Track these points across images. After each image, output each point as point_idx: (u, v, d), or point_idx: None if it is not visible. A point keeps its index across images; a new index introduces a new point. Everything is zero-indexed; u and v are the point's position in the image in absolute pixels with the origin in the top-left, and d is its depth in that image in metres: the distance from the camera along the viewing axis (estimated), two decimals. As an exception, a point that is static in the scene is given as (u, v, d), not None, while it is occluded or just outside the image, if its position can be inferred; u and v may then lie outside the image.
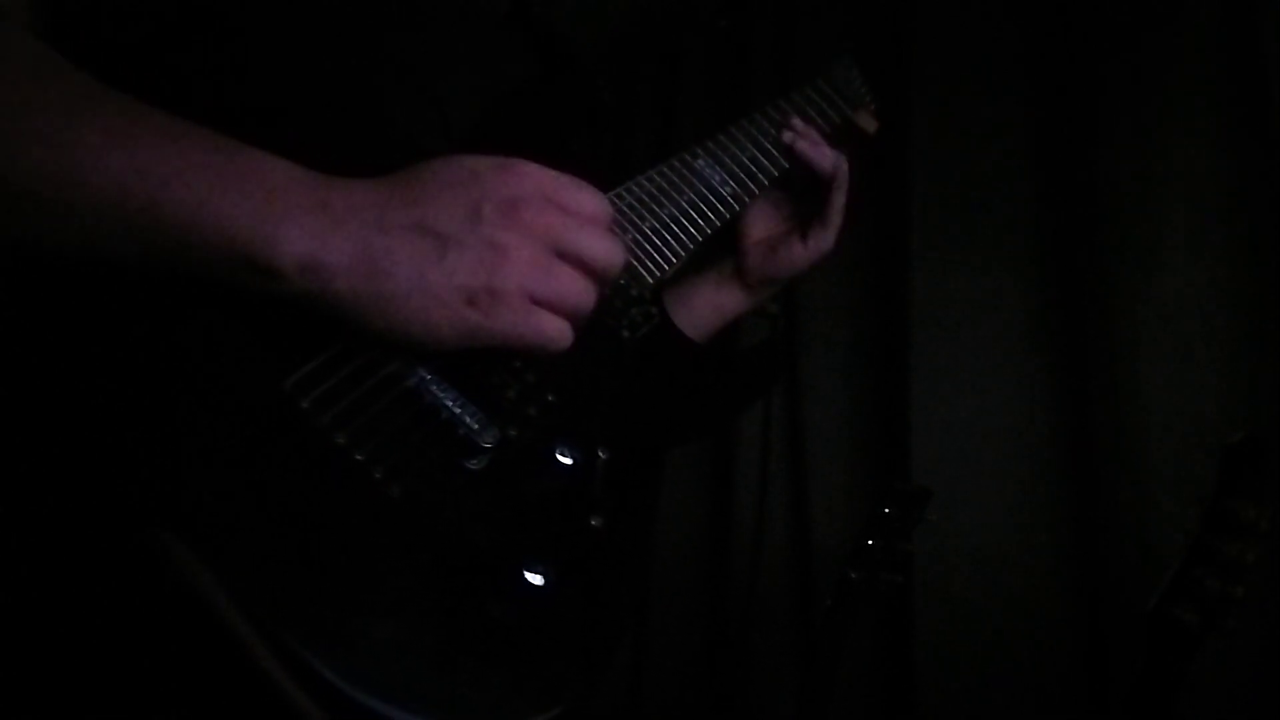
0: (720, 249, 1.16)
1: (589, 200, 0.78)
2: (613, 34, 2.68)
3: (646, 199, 1.01)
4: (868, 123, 1.28)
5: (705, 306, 1.17)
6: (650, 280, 0.99)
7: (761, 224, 1.19)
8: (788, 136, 1.16)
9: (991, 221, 2.44)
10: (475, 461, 0.77)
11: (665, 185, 1.03)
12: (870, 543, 1.85)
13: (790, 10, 2.67)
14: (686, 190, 1.04)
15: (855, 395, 2.56)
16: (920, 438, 2.39)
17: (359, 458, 0.71)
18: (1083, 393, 2.31)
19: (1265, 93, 2.18)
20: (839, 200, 1.18)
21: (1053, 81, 2.42)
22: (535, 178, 0.76)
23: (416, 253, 0.71)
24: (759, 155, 1.12)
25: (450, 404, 0.77)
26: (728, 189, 1.08)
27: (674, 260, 1.01)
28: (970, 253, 2.45)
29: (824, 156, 1.17)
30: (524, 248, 0.73)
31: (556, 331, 0.75)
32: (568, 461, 0.81)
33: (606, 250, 0.78)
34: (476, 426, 0.77)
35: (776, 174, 1.15)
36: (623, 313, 0.96)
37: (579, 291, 0.76)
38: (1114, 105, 2.32)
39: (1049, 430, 2.33)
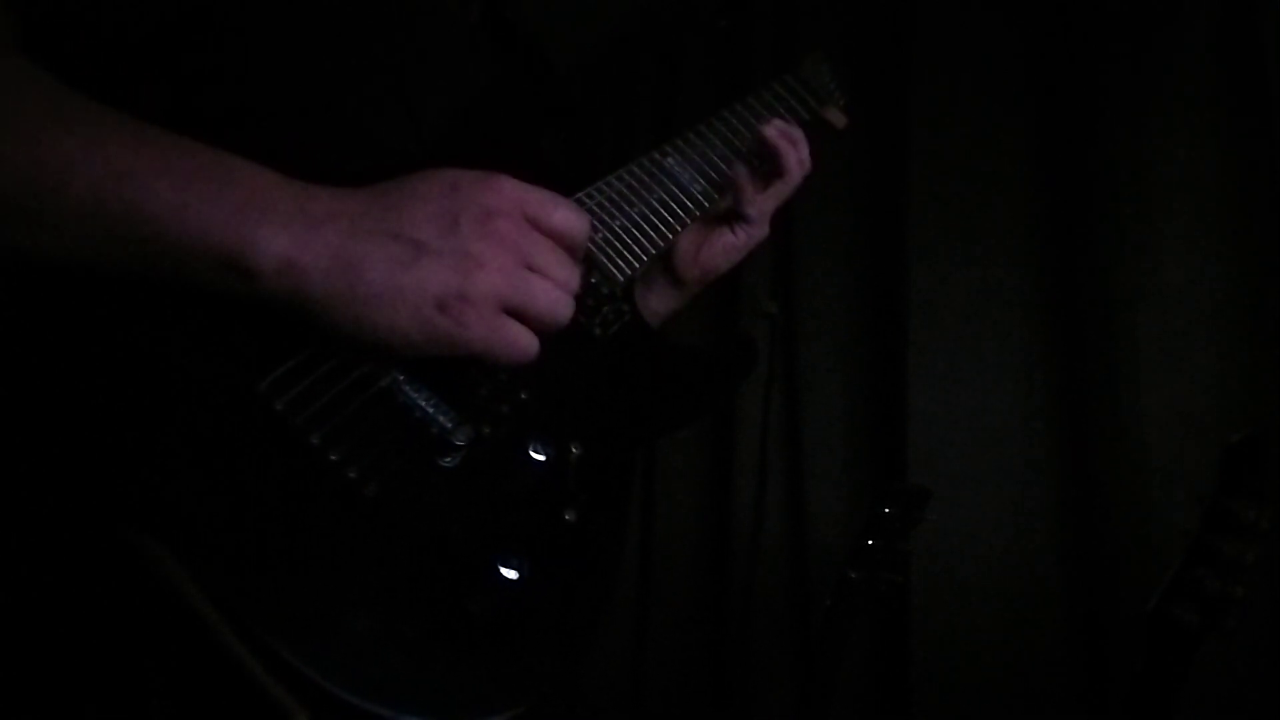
0: None
1: (564, 216, 0.79)
2: (613, 34, 2.69)
3: (617, 198, 1.01)
4: (837, 118, 1.29)
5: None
6: (621, 278, 0.99)
7: None
8: (769, 130, 1.14)
9: (990, 221, 2.44)
10: (449, 459, 0.77)
11: (635, 184, 1.04)
12: (870, 543, 1.85)
13: (790, 10, 2.68)
14: (656, 189, 1.05)
15: (854, 395, 2.56)
16: (918, 437, 2.39)
17: (333, 458, 0.72)
18: (1082, 392, 2.30)
19: (1265, 93, 2.17)
20: (781, 195, 1.17)
21: (1053, 81, 2.42)
22: (512, 192, 0.77)
23: (391, 257, 0.72)
24: (729, 153, 1.12)
25: (423, 403, 0.77)
26: (697, 187, 1.09)
27: (645, 258, 1.02)
28: (968, 252, 2.45)
29: (797, 157, 1.16)
30: (498, 259, 0.74)
31: (524, 341, 0.76)
32: (540, 457, 0.82)
33: (568, 270, 0.79)
34: (450, 425, 0.77)
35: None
36: (595, 310, 0.96)
37: (553, 303, 0.77)
38: (1114, 105, 2.32)
39: (1048, 430, 2.33)
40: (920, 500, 1.92)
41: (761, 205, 1.17)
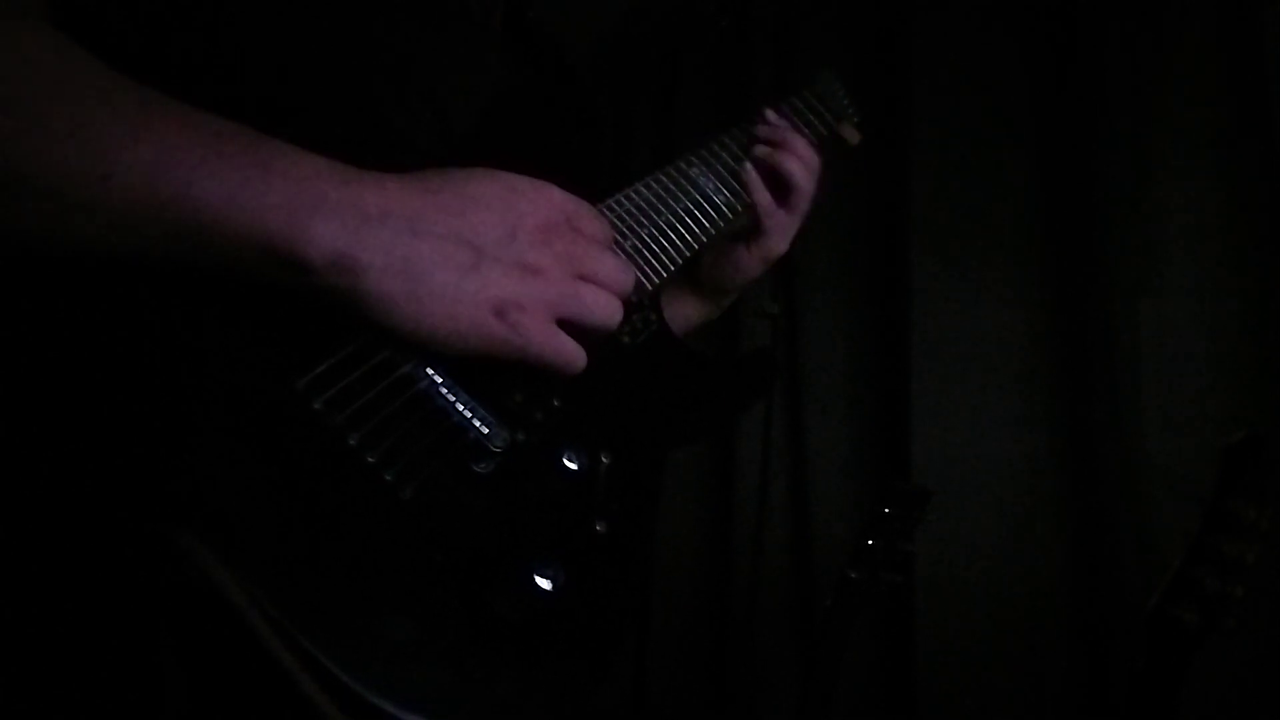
0: None
1: (597, 224, 0.82)
2: (613, 33, 2.68)
3: (644, 205, 1.02)
4: (851, 134, 1.31)
5: (671, 319, 1.17)
6: (649, 287, 1.00)
7: None
8: (763, 151, 1.16)
9: (992, 222, 2.45)
10: (484, 465, 0.77)
11: (661, 192, 1.05)
12: (870, 543, 1.86)
13: (790, 10, 2.67)
14: (682, 198, 1.06)
15: (856, 395, 2.57)
16: (921, 438, 2.39)
17: (371, 460, 0.71)
18: (1083, 392, 2.31)
19: (1265, 93, 2.19)
20: (799, 207, 1.19)
21: (1053, 82, 2.43)
22: (562, 202, 0.79)
23: (452, 260, 0.73)
24: (750, 164, 1.15)
25: (460, 408, 0.77)
26: (720, 197, 1.10)
27: (671, 267, 1.02)
28: (971, 253, 2.45)
29: (804, 173, 1.17)
30: (554, 269, 0.76)
31: (573, 352, 0.78)
32: (574, 466, 0.82)
33: (622, 273, 0.82)
34: (486, 431, 0.77)
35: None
36: (624, 319, 0.96)
37: (604, 310, 0.79)
38: (1114, 107, 2.33)
39: (1049, 431, 2.34)
40: (922, 500, 1.92)
41: (778, 219, 1.17)
